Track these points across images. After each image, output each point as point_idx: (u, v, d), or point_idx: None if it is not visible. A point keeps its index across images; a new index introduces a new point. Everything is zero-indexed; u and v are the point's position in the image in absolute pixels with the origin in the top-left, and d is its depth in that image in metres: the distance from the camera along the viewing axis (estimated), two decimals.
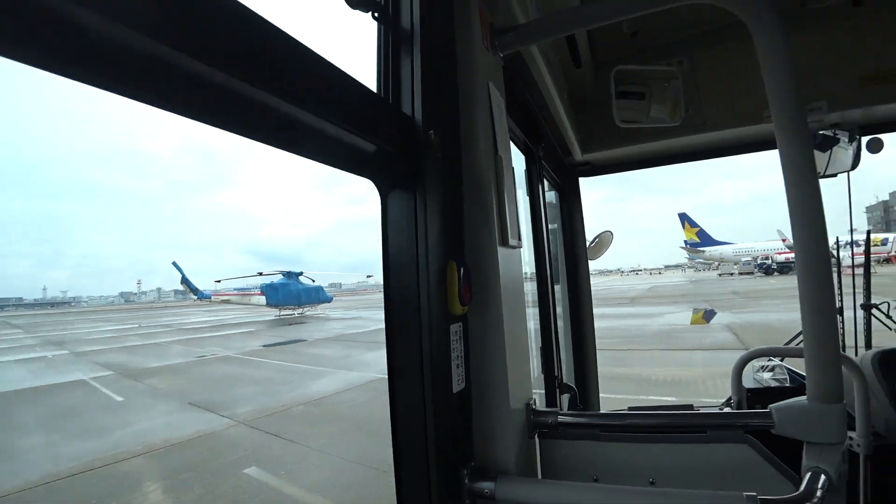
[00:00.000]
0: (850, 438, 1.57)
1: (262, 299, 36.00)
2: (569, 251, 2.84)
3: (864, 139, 2.20)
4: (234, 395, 10.34)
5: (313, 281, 38.62)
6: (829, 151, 2.21)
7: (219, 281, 42.01)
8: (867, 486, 1.57)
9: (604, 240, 2.89)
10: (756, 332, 13.23)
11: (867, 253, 2.59)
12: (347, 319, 30.20)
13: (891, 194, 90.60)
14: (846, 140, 2.20)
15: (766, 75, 0.97)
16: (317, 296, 37.69)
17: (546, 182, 2.50)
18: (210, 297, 41.18)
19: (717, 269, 65.07)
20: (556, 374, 2.08)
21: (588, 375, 2.82)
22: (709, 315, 18.95)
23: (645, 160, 2.80)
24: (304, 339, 20.28)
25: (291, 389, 10.58)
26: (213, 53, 0.58)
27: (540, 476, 1.30)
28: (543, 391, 2.08)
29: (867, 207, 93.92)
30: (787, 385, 2.05)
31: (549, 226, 2.28)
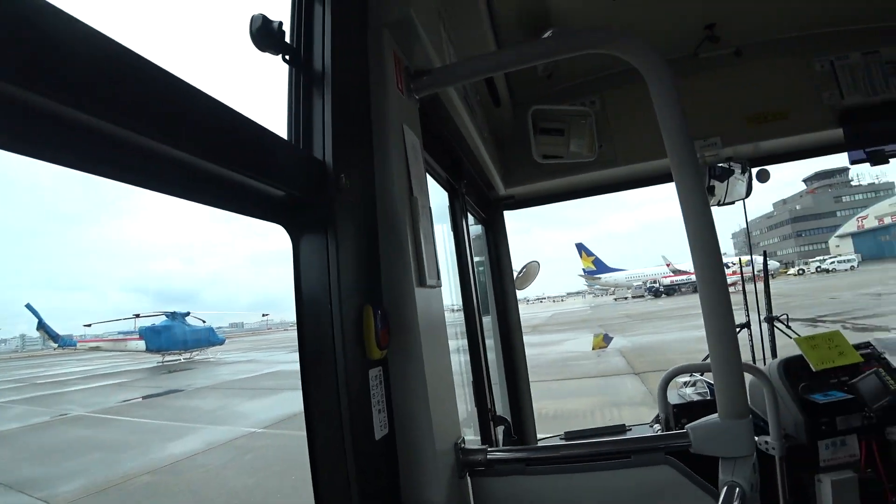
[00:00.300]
0: (766, 442, 1.73)
1: (141, 344, 32.11)
2: (496, 282, 2.87)
3: (755, 170, 2.51)
4: (68, 467, 8.57)
5: (204, 322, 35.47)
6: (726, 182, 2.50)
7: (89, 325, 36.83)
8: (784, 485, 1.72)
9: (531, 269, 2.97)
10: (644, 356, 14.18)
11: (765, 271, 2.95)
12: (240, 363, 27.57)
13: (749, 222, 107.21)
14: (740, 171, 2.50)
15: (660, 116, 1.06)
16: (206, 338, 34.50)
17: (471, 216, 2.51)
18: (75, 345, 35.87)
19: (613, 293, 70.98)
20: (489, 406, 2.06)
21: (522, 405, 2.84)
22: (607, 339, 20.39)
23: (564, 193, 2.98)
24: (182, 389, 17.72)
25: (141, 455, 9.13)
26: (100, 103, 0.53)
27: None
28: (478, 424, 2.06)
29: (733, 234, 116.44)
30: (708, 398, 2.18)
31: (476, 258, 2.28)
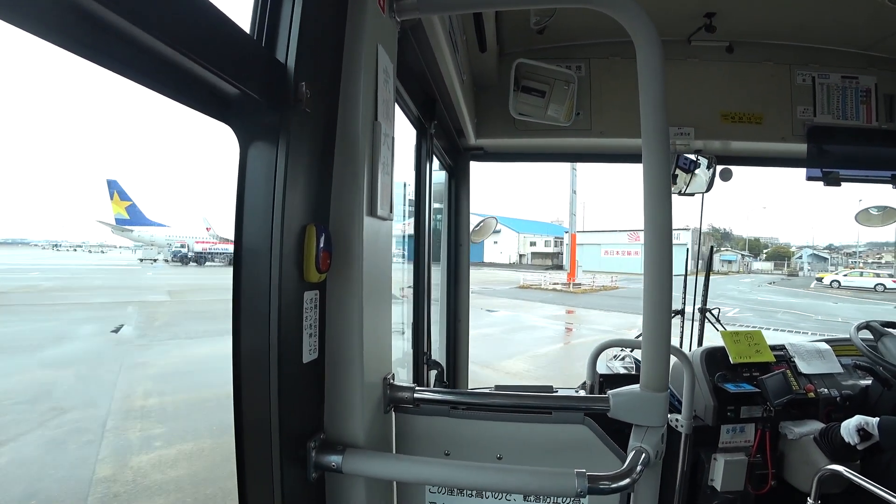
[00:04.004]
0: (677, 420, 1.89)
1: None
2: (452, 232, 2.87)
3: (719, 168, 2.58)
4: None
5: None
6: (691, 173, 2.55)
7: None
8: (685, 459, 1.91)
9: (488, 224, 2.99)
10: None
11: (708, 265, 3.10)
12: None
13: None
14: (706, 166, 2.56)
15: (642, 92, 1.05)
16: None
17: (437, 161, 2.47)
18: None
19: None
20: (425, 349, 2.10)
21: (459, 354, 2.90)
22: None
23: (534, 154, 2.97)
24: None
25: None
26: None
27: (395, 450, 1.30)
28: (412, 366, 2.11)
29: None
30: (633, 373, 2.32)
31: (435, 205, 2.26)
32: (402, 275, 2.28)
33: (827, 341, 2.45)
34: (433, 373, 2.14)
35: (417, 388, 1.27)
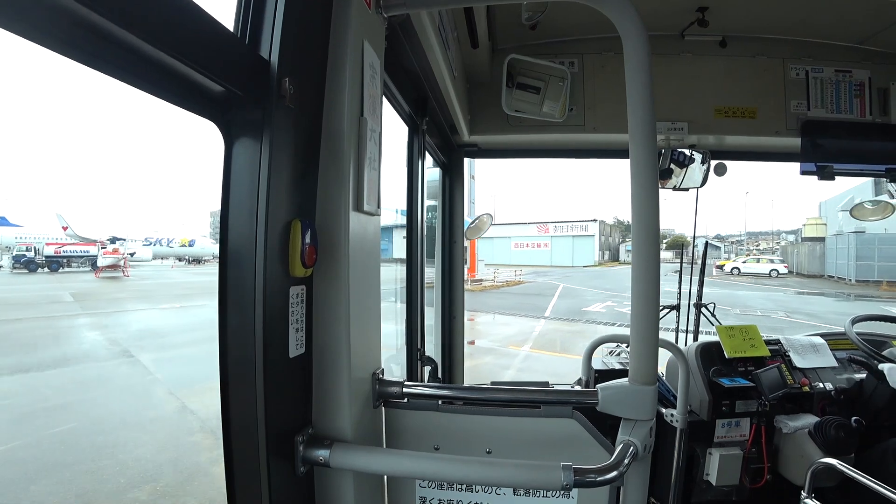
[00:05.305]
0: (672, 415, 1.89)
1: None
2: (446, 229, 2.86)
3: (714, 162, 2.58)
4: None
5: None
6: (685, 168, 2.55)
7: None
8: (680, 454, 1.91)
9: (483, 221, 2.98)
10: None
11: (703, 259, 3.10)
12: None
13: None
14: (700, 161, 2.56)
15: (629, 86, 1.05)
16: None
17: (430, 158, 2.47)
18: None
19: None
20: (419, 346, 2.10)
21: (454, 351, 2.90)
22: None
23: (528, 150, 2.97)
24: None
25: None
26: None
27: (385, 445, 1.31)
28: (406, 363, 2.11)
29: None
30: (628, 368, 2.33)
31: (430, 202, 2.26)
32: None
33: (822, 335, 2.45)
34: (427, 369, 2.14)
35: (407, 382, 1.27)
